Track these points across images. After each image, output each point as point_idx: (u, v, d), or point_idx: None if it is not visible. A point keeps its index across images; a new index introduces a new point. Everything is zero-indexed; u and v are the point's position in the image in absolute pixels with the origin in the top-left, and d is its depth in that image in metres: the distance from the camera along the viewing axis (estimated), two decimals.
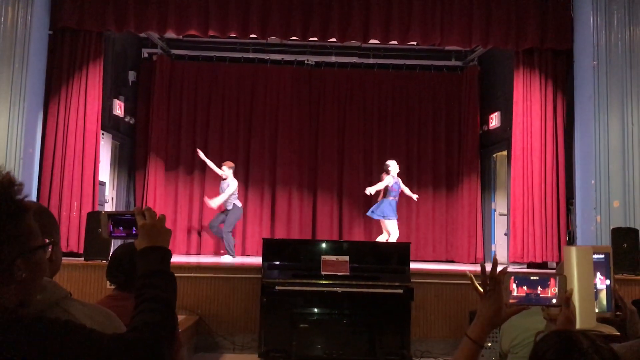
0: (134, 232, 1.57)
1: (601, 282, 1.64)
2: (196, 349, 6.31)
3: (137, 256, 1.47)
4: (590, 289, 1.57)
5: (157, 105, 9.70)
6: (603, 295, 1.64)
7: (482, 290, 1.56)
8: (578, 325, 1.54)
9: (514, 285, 1.55)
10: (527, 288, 1.55)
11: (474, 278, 1.62)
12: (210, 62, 10.11)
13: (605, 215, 6.77)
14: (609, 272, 1.64)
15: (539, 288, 1.55)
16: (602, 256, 1.64)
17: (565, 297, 1.54)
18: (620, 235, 6.28)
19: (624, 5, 7.01)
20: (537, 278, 1.57)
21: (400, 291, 6.01)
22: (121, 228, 1.60)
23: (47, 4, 7.29)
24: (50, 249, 1.39)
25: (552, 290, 1.55)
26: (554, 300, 1.56)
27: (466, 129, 9.88)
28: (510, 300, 1.54)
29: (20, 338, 1.12)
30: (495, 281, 1.54)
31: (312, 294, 6.03)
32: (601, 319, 1.66)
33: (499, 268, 1.56)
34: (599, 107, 6.96)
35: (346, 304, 6.08)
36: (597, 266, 1.62)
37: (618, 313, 1.98)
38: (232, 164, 8.93)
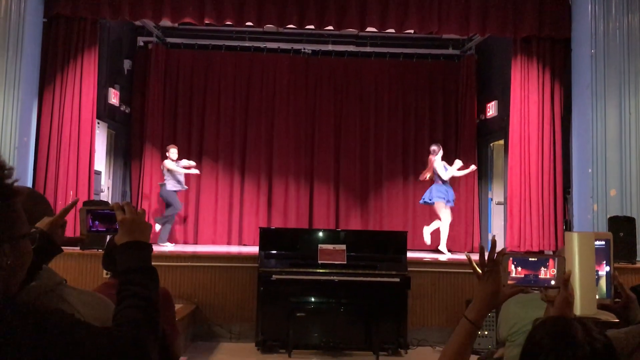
0: (114, 227, 1.54)
1: (601, 269, 1.63)
2: (193, 337, 6.33)
3: (118, 251, 1.45)
4: (592, 276, 1.56)
5: (153, 94, 9.65)
6: (603, 282, 1.63)
7: (480, 271, 1.56)
8: (578, 312, 1.53)
9: (513, 267, 1.54)
10: (526, 269, 1.55)
11: (472, 259, 1.61)
12: (206, 50, 10.04)
13: (602, 204, 6.78)
14: (609, 258, 1.63)
15: (538, 269, 1.55)
16: (602, 243, 1.63)
17: (563, 279, 1.53)
18: (617, 223, 6.29)
19: None
20: (536, 259, 1.56)
21: (397, 280, 6.02)
22: (100, 223, 1.58)
23: None
24: (38, 238, 1.37)
25: (550, 272, 1.55)
26: (553, 282, 1.55)
27: (463, 118, 9.86)
28: (509, 282, 1.54)
29: (7, 325, 1.11)
30: (493, 262, 1.54)
31: (309, 282, 6.04)
32: (601, 306, 1.65)
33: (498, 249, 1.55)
34: (596, 95, 6.94)
35: (343, 292, 6.09)
36: (598, 253, 1.61)
37: (617, 300, 1.97)
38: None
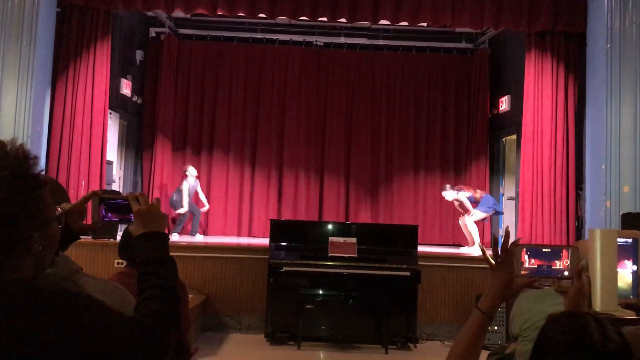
0: (127, 217, 1.55)
1: (624, 266, 1.61)
2: (203, 328, 6.36)
3: (135, 243, 1.46)
4: (613, 272, 1.55)
5: (165, 85, 9.67)
6: (628, 279, 1.61)
7: (493, 262, 1.55)
8: (599, 308, 1.51)
9: (526, 257, 1.53)
10: (539, 260, 1.54)
11: (485, 250, 1.60)
12: (218, 42, 10.04)
13: (615, 201, 6.71)
14: (637, 257, 1.61)
15: (551, 260, 1.54)
16: (630, 241, 1.61)
17: (577, 270, 1.52)
18: (630, 220, 6.21)
19: None
20: (549, 250, 1.55)
21: (407, 273, 6.01)
22: (112, 212, 1.58)
23: None
24: (64, 219, 1.39)
25: (564, 263, 1.53)
26: (566, 273, 1.54)
27: (475, 112, 9.80)
28: (522, 272, 1.53)
29: (40, 308, 1.13)
30: (506, 253, 1.52)
31: (319, 275, 6.04)
32: (626, 305, 1.63)
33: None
34: (611, 91, 6.85)
35: (352, 285, 6.09)
36: (625, 251, 1.59)
37: None
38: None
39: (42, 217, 1.24)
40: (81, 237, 1.65)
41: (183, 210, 8.87)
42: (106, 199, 1.57)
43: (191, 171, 9.06)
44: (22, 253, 1.20)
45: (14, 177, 1.19)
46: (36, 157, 1.25)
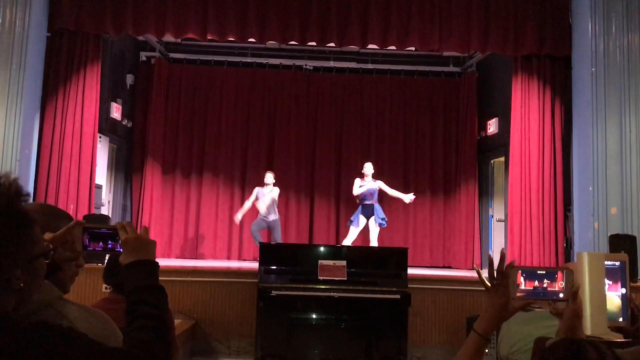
0: (111, 247, 1.54)
1: (612, 289, 1.62)
2: (192, 353, 6.28)
3: (124, 271, 1.44)
4: (602, 295, 1.56)
5: (155, 108, 9.68)
6: (617, 303, 1.62)
7: (489, 284, 1.55)
8: (589, 332, 1.52)
9: (522, 279, 1.54)
10: (535, 282, 1.54)
11: (481, 272, 1.60)
12: (209, 66, 10.10)
13: (602, 222, 6.76)
14: (625, 280, 1.62)
15: (546, 282, 1.55)
16: (617, 264, 1.63)
17: (572, 291, 1.52)
18: (618, 242, 6.25)
19: (622, 12, 7.02)
20: (545, 272, 1.56)
21: (398, 296, 5.98)
22: (97, 242, 1.57)
23: (45, 6, 7.26)
24: (52, 254, 1.37)
25: (559, 284, 1.54)
26: (561, 295, 1.55)
27: (464, 135, 9.88)
28: (518, 294, 1.54)
29: (18, 343, 1.10)
30: (502, 275, 1.53)
31: (309, 298, 6.00)
32: (616, 329, 1.64)
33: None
34: (596, 113, 6.95)
35: (343, 309, 6.04)
36: (613, 274, 1.60)
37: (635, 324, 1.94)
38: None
39: (27, 255, 1.22)
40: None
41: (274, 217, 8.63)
42: (89, 229, 1.56)
43: (268, 178, 8.68)
44: (2, 288, 1.18)
45: (0, 214, 1.17)
46: (28, 194, 1.24)
